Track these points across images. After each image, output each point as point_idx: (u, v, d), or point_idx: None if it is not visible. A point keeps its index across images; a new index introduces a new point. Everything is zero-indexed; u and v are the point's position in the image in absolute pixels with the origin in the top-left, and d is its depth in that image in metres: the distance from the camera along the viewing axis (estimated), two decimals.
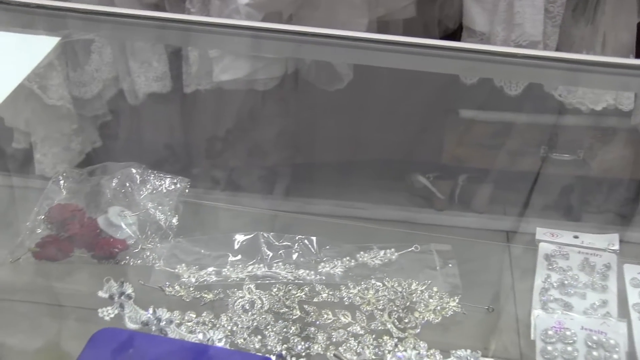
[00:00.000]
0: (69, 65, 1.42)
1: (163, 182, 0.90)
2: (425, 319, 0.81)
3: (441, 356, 0.77)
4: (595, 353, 0.76)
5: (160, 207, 0.88)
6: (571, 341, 0.77)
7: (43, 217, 0.87)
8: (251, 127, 1.49)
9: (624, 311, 0.82)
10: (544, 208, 1.37)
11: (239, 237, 0.87)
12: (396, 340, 0.79)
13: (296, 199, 1.40)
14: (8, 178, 1.23)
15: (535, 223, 1.00)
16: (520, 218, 1.27)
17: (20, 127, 1.43)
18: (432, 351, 0.77)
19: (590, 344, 0.77)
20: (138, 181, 0.89)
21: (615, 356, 0.76)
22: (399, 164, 1.55)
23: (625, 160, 1.48)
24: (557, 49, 1.32)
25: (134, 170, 0.90)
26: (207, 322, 0.79)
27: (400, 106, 1.48)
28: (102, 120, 1.49)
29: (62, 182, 0.90)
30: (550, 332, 0.78)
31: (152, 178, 0.90)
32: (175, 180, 0.90)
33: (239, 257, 0.86)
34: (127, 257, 0.85)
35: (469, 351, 0.77)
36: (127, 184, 0.89)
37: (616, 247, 0.88)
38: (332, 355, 0.76)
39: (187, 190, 0.90)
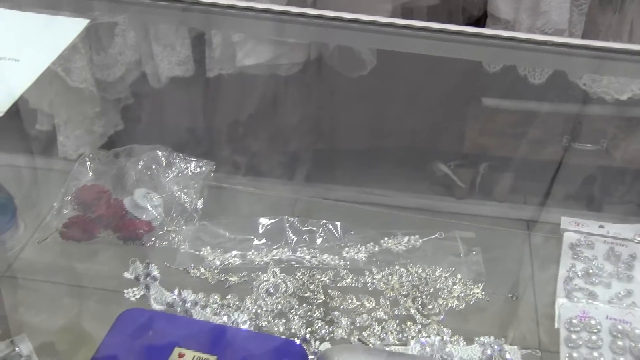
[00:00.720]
0: (92, 48, 1.42)
1: (188, 165, 0.90)
2: (449, 305, 0.81)
3: (464, 342, 0.77)
4: (620, 342, 0.76)
5: (185, 190, 0.88)
6: (596, 330, 0.77)
7: (70, 198, 0.87)
8: (273, 112, 1.49)
9: None
10: (566, 198, 1.37)
11: (264, 221, 0.88)
12: (419, 326, 0.79)
13: (317, 185, 1.40)
14: (31, 159, 1.24)
15: (556, 213, 1.00)
16: (541, 207, 1.27)
17: (44, 109, 1.44)
18: (455, 337, 0.78)
19: (615, 333, 0.77)
20: (164, 164, 0.90)
21: None
22: (421, 152, 1.54)
23: None
24: (583, 38, 1.31)
25: (159, 153, 0.90)
26: (231, 305, 0.80)
27: (422, 94, 1.47)
28: (125, 104, 1.50)
29: (88, 163, 0.91)
30: (574, 321, 0.78)
31: (177, 161, 0.90)
32: (200, 164, 0.91)
33: (264, 240, 0.86)
34: (153, 239, 0.85)
35: (492, 338, 0.78)
36: (153, 167, 0.89)
37: None
38: (356, 340, 0.77)
39: (212, 174, 0.91)
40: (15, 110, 1.31)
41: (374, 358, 0.69)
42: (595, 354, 0.75)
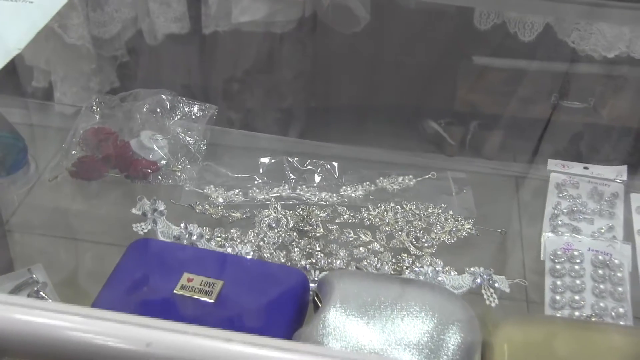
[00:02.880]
0: (89, 5, 1.45)
1: (192, 109, 0.95)
2: (441, 239, 0.87)
3: (456, 272, 0.83)
4: (600, 271, 0.82)
5: (189, 132, 0.93)
6: (578, 260, 0.83)
7: (78, 139, 0.92)
8: (268, 70, 1.54)
9: (629, 236, 0.88)
10: (554, 155, 1.42)
11: (265, 161, 0.93)
12: (413, 257, 0.85)
13: (310, 142, 1.45)
14: (27, 116, 1.27)
15: (544, 170, 1.06)
16: (530, 165, 1.33)
17: (40, 66, 1.47)
18: (447, 268, 0.84)
19: (596, 263, 0.83)
20: (168, 107, 0.95)
21: (619, 274, 0.82)
22: (412, 110, 1.59)
23: (635, 108, 1.52)
24: None
25: (164, 97, 0.95)
26: (235, 238, 0.85)
27: (414, 52, 1.52)
28: (121, 61, 1.53)
29: (95, 107, 0.96)
30: (559, 252, 0.85)
31: (181, 105, 0.95)
32: (203, 107, 0.96)
33: (265, 179, 0.92)
34: (159, 178, 0.90)
35: (482, 268, 0.84)
36: (158, 110, 0.94)
37: (624, 177, 0.94)
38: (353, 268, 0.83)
39: (215, 117, 0.96)
40: (12, 67, 1.35)
41: (373, 281, 0.75)
42: (578, 281, 0.82)
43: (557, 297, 0.81)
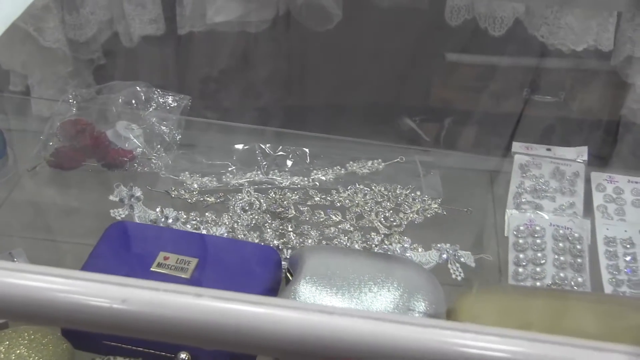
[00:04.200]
0: (64, 8, 1.49)
1: (166, 100, 1.00)
2: (409, 219, 0.92)
3: (423, 249, 0.88)
4: (561, 245, 0.88)
5: (164, 122, 0.98)
6: (540, 235, 0.89)
7: (56, 131, 0.96)
8: (244, 69, 1.58)
9: (589, 212, 0.93)
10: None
11: (238, 147, 0.98)
12: (382, 236, 0.90)
13: (286, 140, 1.49)
14: (6, 121, 1.31)
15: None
16: (503, 159, 1.38)
17: (17, 70, 1.51)
18: (415, 245, 0.89)
19: (557, 237, 0.88)
20: (143, 99, 0.99)
21: (578, 247, 0.87)
22: (386, 106, 1.65)
23: (604, 100, 1.58)
24: None
25: (139, 89, 1.00)
26: (210, 221, 0.90)
27: (387, 49, 1.58)
28: (97, 64, 1.57)
29: (71, 100, 1.00)
30: (521, 228, 0.90)
31: (156, 96, 1.00)
32: (177, 98, 1.00)
33: (238, 165, 0.97)
34: (135, 166, 0.95)
35: (448, 245, 0.89)
36: (133, 101, 0.99)
37: (585, 157, 0.99)
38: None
39: (189, 107, 1.00)
40: None
41: (342, 254, 0.80)
42: (539, 254, 0.87)
43: (520, 270, 0.86)
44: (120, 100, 0.99)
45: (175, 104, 1.00)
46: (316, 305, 0.66)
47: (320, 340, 0.49)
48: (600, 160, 1.49)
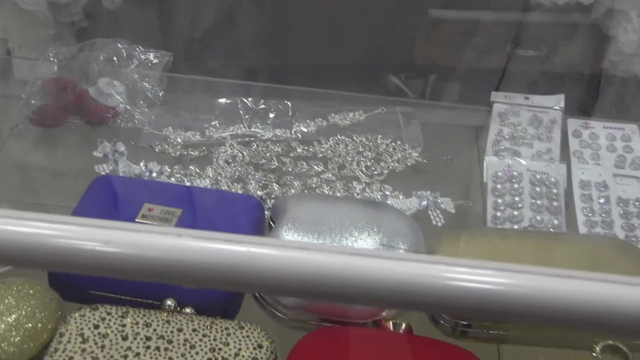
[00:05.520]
0: None
1: (148, 56, 1.01)
2: (390, 167, 0.94)
3: (404, 196, 0.90)
4: (538, 189, 0.90)
5: (146, 79, 0.99)
6: (518, 180, 0.91)
7: (37, 89, 0.97)
8: (228, 29, 1.59)
9: (565, 157, 0.95)
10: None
11: (221, 102, 0.99)
12: (364, 185, 0.92)
13: (269, 94, 1.51)
14: None
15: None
16: (488, 112, 1.40)
17: None
18: (395, 193, 0.91)
19: (534, 181, 0.91)
20: (124, 55, 1.01)
21: (555, 190, 0.90)
22: (371, 64, 1.66)
23: (585, 54, 1.60)
24: None
25: (120, 46, 1.01)
26: (193, 174, 0.91)
27: (371, 6, 1.58)
28: (79, 26, 1.57)
29: (52, 58, 1.01)
30: (500, 174, 0.92)
31: (137, 53, 1.01)
32: (159, 54, 1.02)
33: (221, 119, 0.98)
34: (118, 122, 0.96)
35: (428, 192, 0.91)
36: (114, 58, 1.00)
37: (562, 105, 1.01)
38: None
39: (170, 64, 1.01)
40: None
41: (323, 201, 0.82)
42: (517, 199, 0.90)
43: (498, 214, 0.88)
44: (101, 57, 1.00)
45: (157, 61, 1.01)
46: (294, 242, 0.68)
47: (298, 276, 0.51)
48: (582, 113, 1.52)
